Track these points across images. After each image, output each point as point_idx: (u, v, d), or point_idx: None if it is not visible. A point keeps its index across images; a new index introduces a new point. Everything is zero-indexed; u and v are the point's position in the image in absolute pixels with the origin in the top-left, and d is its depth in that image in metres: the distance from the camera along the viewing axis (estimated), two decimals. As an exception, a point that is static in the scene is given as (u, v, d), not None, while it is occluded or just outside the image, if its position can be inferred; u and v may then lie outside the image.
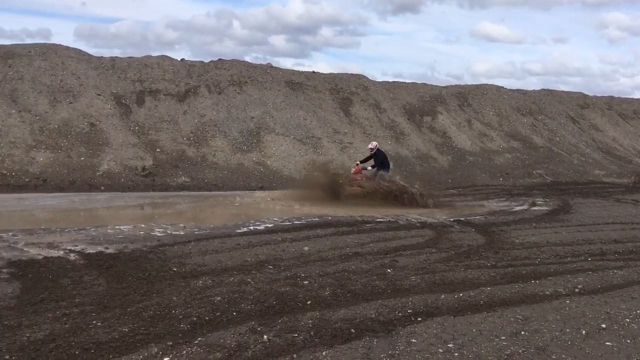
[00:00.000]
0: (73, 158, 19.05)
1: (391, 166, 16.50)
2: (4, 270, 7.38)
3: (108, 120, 21.10)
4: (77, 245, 9.07)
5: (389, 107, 27.98)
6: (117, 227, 11.06)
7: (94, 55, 24.39)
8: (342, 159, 23.22)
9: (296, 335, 5.11)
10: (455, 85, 33.83)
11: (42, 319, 5.40)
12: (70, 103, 21.10)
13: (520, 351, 4.93)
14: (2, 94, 20.31)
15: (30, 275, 7.16)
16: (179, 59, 26.01)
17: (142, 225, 11.29)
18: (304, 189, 16.25)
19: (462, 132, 28.53)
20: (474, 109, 31.31)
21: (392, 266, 8.03)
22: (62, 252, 8.62)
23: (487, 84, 34.34)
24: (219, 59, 26.55)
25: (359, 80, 28.88)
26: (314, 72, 28.88)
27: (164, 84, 23.81)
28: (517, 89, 35.10)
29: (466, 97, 31.91)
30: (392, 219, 12.79)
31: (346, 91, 27.60)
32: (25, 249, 8.72)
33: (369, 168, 15.70)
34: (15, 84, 20.86)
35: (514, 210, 15.11)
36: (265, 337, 5.03)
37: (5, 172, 17.53)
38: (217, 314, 5.65)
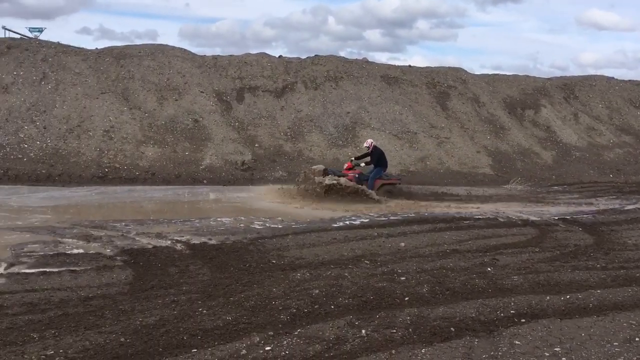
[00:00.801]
0: (178, 153, 20.01)
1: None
2: (118, 258, 7.89)
3: (210, 116, 21.96)
4: (182, 236, 9.53)
5: (488, 100, 27.09)
6: (219, 219, 11.52)
7: (198, 54, 25.48)
8: (439, 154, 22.79)
9: (394, 331, 5.08)
10: (561, 77, 32.17)
11: (153, 305, 5.72)
12: (176, 100, 22.16)
13: (635, 359, 4.63)
14: (115, 92, 21.69)
15: (141, 263, 7.61)
16: (277, 56, 26.58)
17: (242, 218, 11.67)
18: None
19: (568, 126, 27.10)
20: (581, 101, 29.64)
21: (492, 265, 7.79)
22: (169, 242, 9.09)
23: (595, 75, 32.38)
24: (315, 55, 26.85)
25: (457, 74, 28.18)
26: (410, 66, 28.51)
27: (262, 81, 24.43)
28: (629, 80, 32.81)
29: (572, 89, 30.26)
30: (490, 216, 12.40)
31: (443, 85, 27.03)
32: (136, 239, 9.27)
33: (362, 164, 15.36)
34: (126, 83, 22.19)
35: (625, 209, 14.16)
36: (363, 331, 5.05)
37: (118, 165, 18.72)
38: (316, 306, 5.73)
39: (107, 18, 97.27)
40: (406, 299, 6.07)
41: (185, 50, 25.15)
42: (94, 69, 22.27)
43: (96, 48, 24.11)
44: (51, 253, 8.06)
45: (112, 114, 20.74)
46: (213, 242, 9.14)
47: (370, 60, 28.40)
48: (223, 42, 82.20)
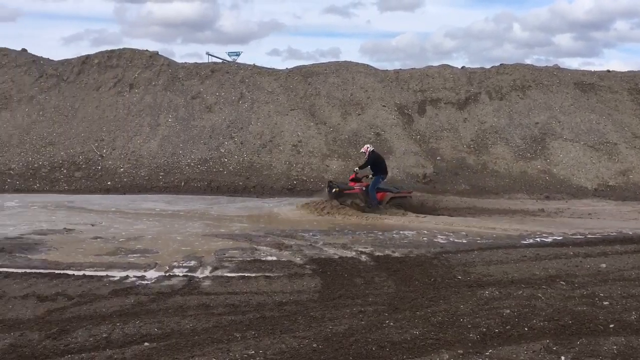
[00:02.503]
0: (361, 166, 20.50)
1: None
2: (307, 267, 8.27)
3: (392, 129, 22.19)
4: (366, 248, 9.71)
5: None
6: (401, 232, 11.55)
7: (379, 69, 25.93)
8: (644, 167, 20.50)
9: (599, 360, 4.63)
10: None
11: (342, 314, 5.88)
12: (359, 115, 22.77)
13: None
14: (303, 108, 22.92)
15: (328, 273, 7.89)
16: (459, 67, 26.07)
17: (425, 232, 11.56)
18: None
19: None
20: None
21: None
22: (354, 253, 9.32)
23: None
24: (501, 64, 25.81)
25: (666, 77, 25.16)
26: (608, 70, 26.10)
27: (444, 93, 24.10)
28: None
29: None
30: None
31: (649, 90, 24.29)
32: (323, 249, 9.65)
33: (370, 176, 14.14)
34: (313, 99, 23.34)
35: None
36: (562, 358, 4.68)
37: (305, 178, 19.73)
38: (507, 327, 5.45)
39: (294, 39, 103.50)
40: (611, 326, 5.51)
41: (367, 65, 25.77)
42: (284, 87, 23.78)
43: (286, 68, 25.76)
44: (249, 259, 8.71)
45: (300, 129, 21.93)
46: (397, 254, 9.18)
47: (561, 66, 26.57)
48: (403, 55, 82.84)
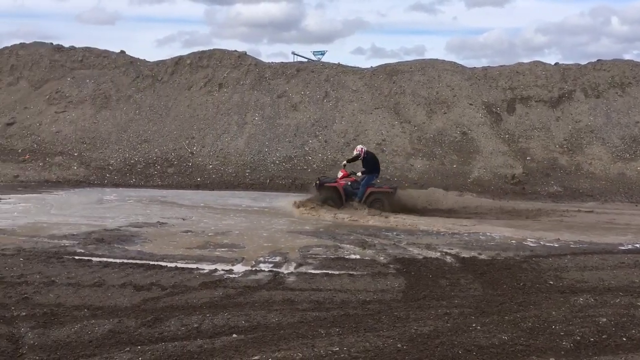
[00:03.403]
0: (446, 165, 20.13)
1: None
2: (391, 266, 8.22)
3: (479, 128, 21.62)
4: (452, 249, 9.52)
5: None
6: (488, 233, 11.23)
7: (466, 66, 25.34)
8: None
9: None
10: None
11: (426, 315, 5.80)
12: (445, 113, 22.35)
13: None
14: (388, 107, 22.79)
15: (412, 273, 7.80)
16: (552, 64, 24.97)
17: (514, 234, 11.18)
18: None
19: None
20: None
21: None
22: (439, 253, 9.16)
23: None
24: (598, 60, 24.52)
25: None
26: None
27: (535, 90, 23.19)
28: None
29: None
30: None
31: None
32: (407, 248, 9.56)
33: (358, 174, 13.94)
34: (398, 97, 23.15)
35: None
36: (665, 372, 4.39)
37: (389, 177, 19.59)
38: (604, 336, 5.17)
39: (378, 37, 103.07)
40: None
41: (454, 63, 25.24)
42: (368, 86, 23.73)
43: (371, 66, 25.70)
44: (332, 257, 8.77)
45: (384, 128, 21.82)
46: (483, 257, 8.94)
47: (666, 61, 24.86)
48: (491, 52, 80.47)
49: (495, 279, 7.47)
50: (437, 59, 25.54)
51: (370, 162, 14.02)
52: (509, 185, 19.00)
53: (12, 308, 5.79)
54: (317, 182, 14.31)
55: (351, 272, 7.72)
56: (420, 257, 8.86)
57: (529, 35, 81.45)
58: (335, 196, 13.82)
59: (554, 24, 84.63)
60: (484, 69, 24.94)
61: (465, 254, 9.07)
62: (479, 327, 5.38)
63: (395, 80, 23.86)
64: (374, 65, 25.77)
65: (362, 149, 14.25)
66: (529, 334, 5.21)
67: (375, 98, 23.20)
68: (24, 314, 5.62)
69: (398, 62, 25.74)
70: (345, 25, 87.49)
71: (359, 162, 14.33)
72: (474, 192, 18.38)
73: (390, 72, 24.44)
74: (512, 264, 8.39)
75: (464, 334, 5.19)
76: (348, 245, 9.67)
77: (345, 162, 14.64)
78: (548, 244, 10.16)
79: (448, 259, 8.78)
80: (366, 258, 8.71)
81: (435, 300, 6.46)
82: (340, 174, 14.19)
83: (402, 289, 6.97)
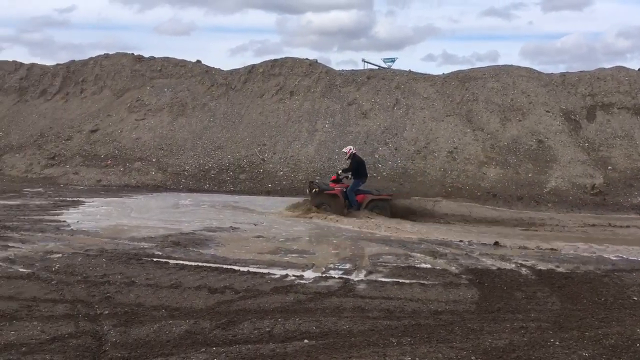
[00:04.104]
0: (521, 174, 19.54)
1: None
2: (463, 277, 8.04)
3: (556, 136, 20.87)
4: (527, 260, 9.21)
5: None
6: (567, 245, 10.80)
7: (542, 72, 24.53)
8: None
9: None
10: None
11: (501, 328, 5.64)
12: (520, 121, 21.72)
13: None
14: (459, 114, 22.39)
15: (486, 284, 7.60)
16: (636, 69, 23.79)
17: (595, 246, 10.70)
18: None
19: None
20: None
21: None
22: (513, 265, 8.89)
23: None
24: (687, 64, 23.14)
25: None
26: None
27: (618, 97, 22.16)
28: None
29: None
30: None
31: None
32: (480, 259, 9.33)
33: (349, 177, 13.92)
34: (470, 105, 22.71)
35: None
36: None
37: (460, 186, 19.24)
38: (695, 358, 4.86)
39: (450, 44, 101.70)
40: None
41: (530, 69, 24.51)
42: (440, 93, 23.42)
43: (442, 73, 25.35)
44: (403, 265, 8.68)
45: (456, 136, 21.45)
46: (561, 269, 8.60)
47: None
48: (568, 57, 77.73)
49: (575, 293, 7.17)
50: (511, 65, 24.90)
51: (354, 165, 13.94)
52: (589, 195, 18.21)
53: (96, 306, 6.08)
54: (316, 189, 14.16)
55: (422, 282, 7.62)
56: (494, 268, 8.63)
57: (610, 39, 78.17)
58: (334, 203, 13.73)
59: (637, 27, 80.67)
60: (562, 74, 24.08)
61: (541, 266, 8.76)
62: (557, 343, 5.18)
63: (468, 87, 23.43)
64: (445, 72, 25.45)
65: (350, 149, 14.27)
66: (611, 352, 4.97)
67: (446, 105, 22.86)
68: (106, 312, 5.89)
69: (471, 69, 25.29)
70: (416, 31, 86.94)
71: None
72: (551, 202, 17.74)
73: (462, 78, 24.03)
74: (593, 278, 8.03)
75: (542, 349, 5.01)
76: (418, 254, 9.55)
77: (339, 171, 14.52)
78: (632, 258, 9.66)
79: (523, 270, 8.51)
80: (437, 267, 8.57)
81: (510, 313, 6.26)
82: (330, 178, 14.53)
83: (475, 300, 6.81)
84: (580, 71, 24.19)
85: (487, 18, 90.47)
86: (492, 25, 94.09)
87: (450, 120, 22.13)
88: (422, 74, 25.30)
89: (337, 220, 13.00)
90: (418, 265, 8.67)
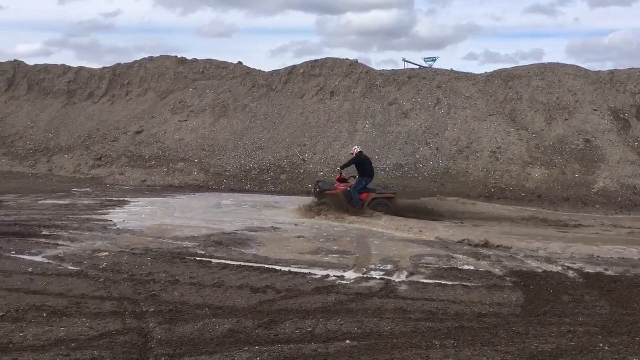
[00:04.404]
0: (567, 175, 19.05)
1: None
2: (508, 279, 7.90)
3: (604, 136, 20.26)
4: (575, 263, 8.99)
5: None
6: (613, 248, 10.49)
7: (589, 70, 23.86)
8: None
9: None
10: None
11: (548, 332, 5.51)
12: (566, 120, 21.18)
13: None
14: (503, 114, 21.98)
15: (531, 287, 7.44)
16: (690, 65, 22.90)
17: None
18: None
19: None
20: None
21: None
22: (560, 267, 8.69)
23: None
24: None
25: None
26: None
27: (670, 95, 21.37)
28: None
29: None
30: None
31: None
32: (525, 261, 9.14)
33: (355, 177, 14.02)
34: (514, 104, 22.26)
35: None
36: None
37: (504, 186, 18.88)
38: None
39: (492, 42, 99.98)
40: None
41: (577, 67, 23.85)
42: (483, 92, 23.04)
43: (485, 72, 24.90)
44: (445, 267, 8.58)
45: (499, 136, 21.06)
46: (610, 273, 8.36)
47: None
48: (617, 54, 75.35)
49: (625, 298, 6.96)
50: (557, 63, 24.29)
51: (361, 165, 13.97)
52: (639, 196, 17.61)
53: (142, 304, 6.21)
54: (317, 188, 14.57)
55: (465, 284, 7.52)
56: (540, 270, 8.45)
57: (661, 35, 75.32)
58: (338, 203, 13.74)
59: (690, 22, 77.65)
60: (610, 72, 23.34)
61: (590, 270, 8.53)
62: (606, 348, 5.04)
63: (512, 86, 22.97)
64: (488, 71, 25.00)
65: (355, 149, 14.26)
66: (665, 359, 4.80)
67: (489, 105, 22.48)
68: (152, 310, 6.01)
69: (514, 67, 24.78)
70: (458, 30, 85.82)
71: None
72: (599, 203, 17.24)
73: (506, 77, 23.58)
74: (644, 282, 7.78)
75: (590, 354, 4.89)
76: (461, 256, 9.42)
77: (339, 168, 14.70)
78: (685, 262, 9.30)
79: (571, 273, 8.30)
80: (481, 269, 8.44)
81: (557, 317, 6.12)
82: (336, 177, 14.53)
83: (521, 303, 6.68)
84: (630, 68, 23.39)
85: (532, 15, 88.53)
86: (536, 23, 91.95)
87: (493, 120, 21.75)
88: (464, 73, 24.92)
89: (370, 223, 12.89)
90: (461, 267, 8.57)
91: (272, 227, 11.94)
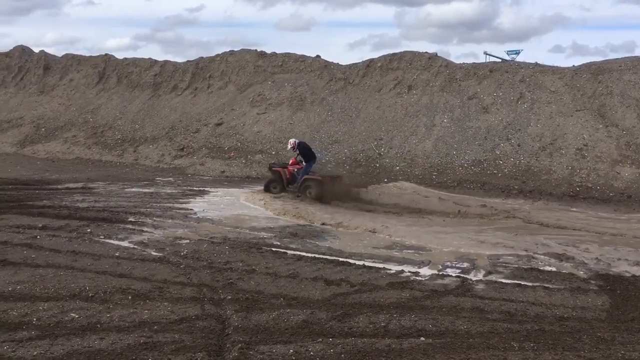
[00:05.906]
0: (660, 174, 17.92)
1: (320, 156, 16.89)
2: (592, 282, 7.55)
3: None
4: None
5: None
6: None
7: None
8: None
9: None
10: None
11: (636, 339, 5.23)
12: (660, 116, 19.91)
13: None
14: (591, 109, 20.94)
15: (618, 291, 7.09)
16: None
17: None
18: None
19: None
20: None
21: None
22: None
23: None
24: None
25: None
26: None
27: None
28: None
29: None
30: None
31: None
32: (612, 264, 8.69)
33: (304, 163, 14.97)
34: (603, 99, 21.15)
35: None
36: None
37: (590, 185, 18.01)
38: None
39: (580, 34, 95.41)
40: None
41: (674, 59, 22.35)
42: (569, 86, 22.04)
43: (573, 65, 23.81)
44: (525, 267, 8.30)
45: (586, 132, 20.10)
46: None
47: None
48: None
49: None
50: (652, 56, 22.86)
51: (304, 152, 15.07)
52: None
53: (220, 291, 6.39)
54: (269, 166, 16.29)
55: (546, 285, 7.25)
56: (628, 274, 8.01)
57: None
58: (278, 180, 15.19)
59: None
60: None
61: (683, 276, 8.00)
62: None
63: (601, 80, 21.83)
64: (575, 64, 23.88)
65: (294, 142, 15.27)
66: None
67: (576, 99, 21.46)
68: (229, 297, 6.18)
69: (605, 60, 23.51)
70: (543, 22, 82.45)
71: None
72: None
73: (595, 71, 22.43)
74: None
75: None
76: (542, 256, 9.08)
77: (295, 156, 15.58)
78: None
79: (661, 279, 7.81)
80: (563, 271, 8.10)
81: (646, 324, 5.79)
82: (290, 162, 15.50)
83: (606, 308, 6.37)
84: None
85: (623, 5, 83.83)
86: (628, 13, 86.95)
87: (580, 116, 20.76)
88: (549, 66, 23.91)
89: (444, 220, 12.65)
90: (542, 268, 8.28)
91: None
